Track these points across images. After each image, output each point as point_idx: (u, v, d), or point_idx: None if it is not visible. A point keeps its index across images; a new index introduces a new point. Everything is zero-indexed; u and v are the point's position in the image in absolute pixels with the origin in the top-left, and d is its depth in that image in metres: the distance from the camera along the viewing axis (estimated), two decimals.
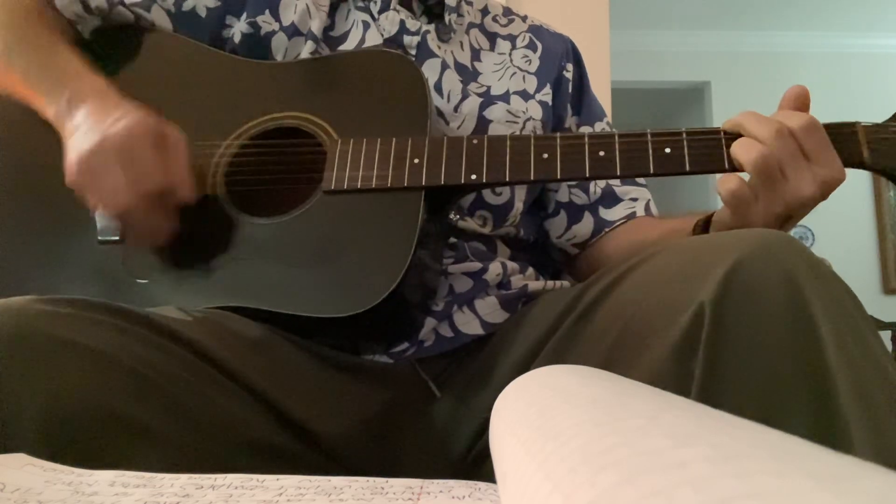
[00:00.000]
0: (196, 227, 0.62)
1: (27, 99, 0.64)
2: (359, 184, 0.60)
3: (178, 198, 0.59)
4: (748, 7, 3.66)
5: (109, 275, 0.61)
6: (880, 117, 0.57)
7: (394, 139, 0.61)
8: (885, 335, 2.89)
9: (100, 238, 0.61)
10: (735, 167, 0.55)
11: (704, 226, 0.62)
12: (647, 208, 0.77)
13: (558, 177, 0.59)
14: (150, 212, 0.58)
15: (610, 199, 0.77)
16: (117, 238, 0.61)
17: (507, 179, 0.60)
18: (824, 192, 0.52)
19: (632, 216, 0.76)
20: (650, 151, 0.58)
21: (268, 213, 0.61)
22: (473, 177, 0.59)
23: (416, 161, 0.60)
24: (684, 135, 0.58)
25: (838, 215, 3.55)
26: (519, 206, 0.72)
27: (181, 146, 0.60)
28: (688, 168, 0.57)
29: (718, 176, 0.57)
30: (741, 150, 0.54)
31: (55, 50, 0.65)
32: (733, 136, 0.56)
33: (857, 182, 3.72)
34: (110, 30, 0.73)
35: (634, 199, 0.77)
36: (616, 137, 0.59)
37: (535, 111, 0.75)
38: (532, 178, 0.59)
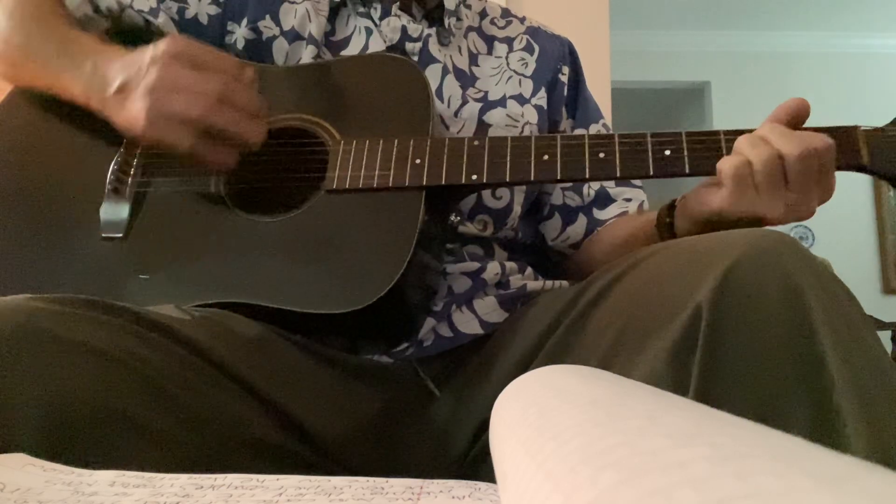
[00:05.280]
0: (199, 225, 0.62)
1: (50, 85, 0.65)
2: (360, 183, 0.60)
3: (245, 97, 0.59)
4: (748, 7, 3.66)
5: (110, 273, 0.61)
6: (880, 117, 0.57)
7: (396, 140, 0.61)
8: (885, 335, 2.88)
9: (103, 234, 0.62)
10: None
11: (669, 209, 0.62)
12: (640, 209, 0.77)
13: (558, 177, 0.59)
14: (227, 115, 0.58)
15: (604, 200, 0.77)
16: (120, 235, 0.62)
17: (508, 180, 0.60)
18: (788, 219, 0.53)
19: (622, 216, 0.76)
20: (650, 153, 0.58)
21: (270, 212, 0.62)
22: (474, 177, 0.60)
23: (418, 161, 0.60)
24: (684, 136, 0.58)
25: (838, 215, 3.54)
26: (517, 209, 0.72)
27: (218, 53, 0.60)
28: (687, 170, 0.57)
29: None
30: (726, 164, 0.54)
31: (71, 34, 0.66)
32: (733, 137, 0.56)
33: (857, 182, 3.72)
34: (116, 33, 0.73)
35: (628, 200, 0.77)
36: (616, 139, 0.59)
37: (532, 115, 0.74)
38: (532, 178, 0.60)
